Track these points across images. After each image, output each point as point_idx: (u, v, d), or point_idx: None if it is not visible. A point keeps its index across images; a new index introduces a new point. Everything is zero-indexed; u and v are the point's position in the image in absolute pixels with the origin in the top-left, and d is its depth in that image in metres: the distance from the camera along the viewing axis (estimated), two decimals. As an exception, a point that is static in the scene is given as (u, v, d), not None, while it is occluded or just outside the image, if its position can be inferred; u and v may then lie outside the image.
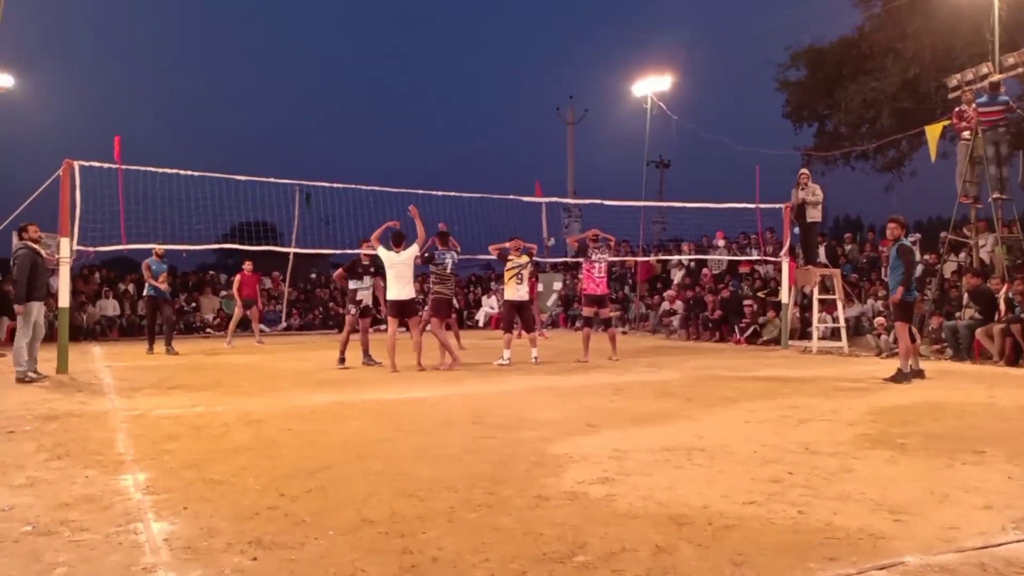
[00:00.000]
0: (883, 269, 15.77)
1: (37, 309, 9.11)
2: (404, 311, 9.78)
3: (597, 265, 11.19)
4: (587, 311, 11.56)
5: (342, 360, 10.21)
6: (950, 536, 3.11)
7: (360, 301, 10.38)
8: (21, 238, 9.24)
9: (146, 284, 13.47)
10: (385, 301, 10.27)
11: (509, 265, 10.76)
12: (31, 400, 7.25)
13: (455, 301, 12.31)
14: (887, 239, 9.17)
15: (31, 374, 8.82)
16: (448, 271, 10.11)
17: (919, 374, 8.71)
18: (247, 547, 3.00)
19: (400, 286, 9.69)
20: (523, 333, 12.13)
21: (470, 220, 14.09)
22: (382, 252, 9.74)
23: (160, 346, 13.07)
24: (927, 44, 18.98)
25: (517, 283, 10.72)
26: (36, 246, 9.10)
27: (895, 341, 12.12)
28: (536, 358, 10.72)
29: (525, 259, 10.82)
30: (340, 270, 10.78)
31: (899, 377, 8.41)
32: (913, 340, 8.99)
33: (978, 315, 11.33)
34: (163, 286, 13.26)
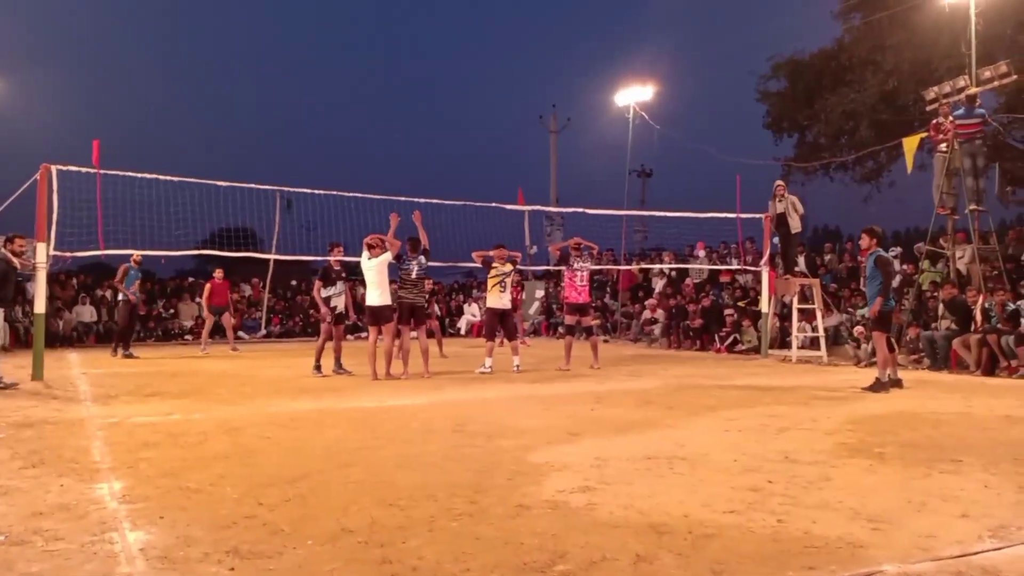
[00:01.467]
0: (862, 279, 15.93)
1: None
2: (378, 317, 9.74)
3: (579, 274, 11.20)
4: (569, 319, 11.56)
5: (318, 368, 10.16)
6: (927, 544, 3.13)
7: (335, 308, 10.33)
8: (5, 247, 9.13)
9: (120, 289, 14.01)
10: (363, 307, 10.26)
11: (493, 273, 10.72)
12: (5, 407, 7.14)
13: (435, 308, 12.24)
14: (863, 250, 9.20)
15: (2, 382, 8.70)
16: (413, 276, 10.03)
17: (897, 383, 8.77)
18: (224, 557, 2.97)
19: (375, 292, 9.68)
20: (504, 341, 12.10)
21: (452, 227, 14.06)
22: (363, 259, 9.71)
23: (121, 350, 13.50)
24: (906, 57, 19.21)
25: (500, 291, 10.69)
26: (13, 257, 9.01)
27: (873, 351, 12.26)
28: (518, 367, 10.71)
29: (509, 267, 10.79)
30: (317, 282, 10.69)
31: (877, 387, 8.47)
32: (891, 350, 9.04)
33: (955, 325, 11.45)
34: (132, 296, 13.87)
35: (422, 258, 10.10)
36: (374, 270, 9.65)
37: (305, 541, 3.16)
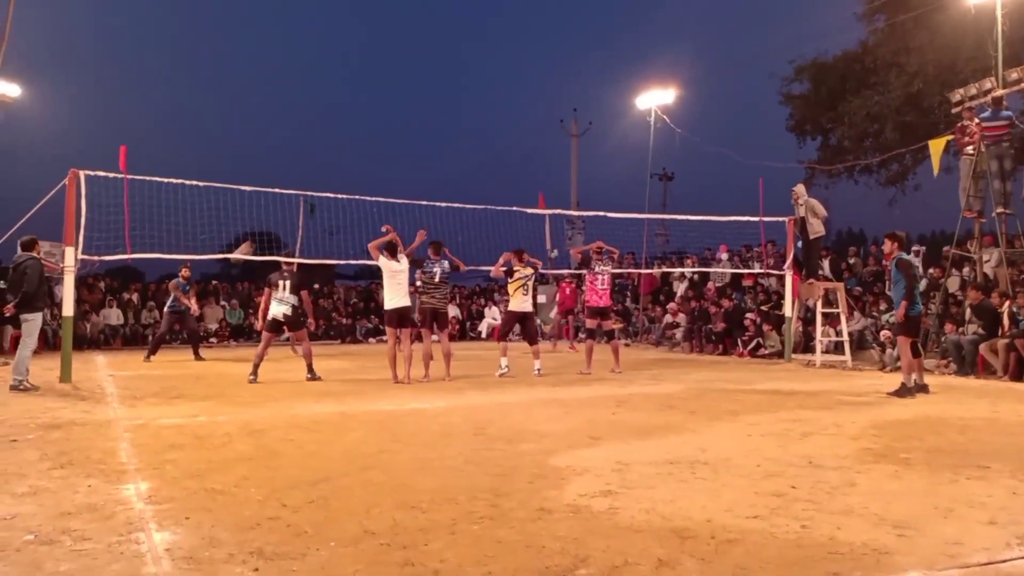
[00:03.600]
0: (887, 283, 15.77)
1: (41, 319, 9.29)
2: (403, 320, 9.80)
3: (600, 277, 11.17)
4: (589, 323, 11.55)
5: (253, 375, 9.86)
6: (954, 552, 3.10)
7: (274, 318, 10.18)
8: (30, 250, 9.31)
9: (171, 299, 14.23)
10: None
11: (516, 275, 10.73)
12: (34, 409, 7.25)
13: (456, 311, 12.21)
14: (887, 255, 9.13)
15: (26, 383, 8.84)
16: (436, 280, 10.02)
17: (923, 389, 8.66)
18: (248, 557, 2.99)
19: (400, 294, 9.69)
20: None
21: (474, 231, 14.11)
22: (383, 262, 9.70)
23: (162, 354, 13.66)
24: (931, 58, 19.01)
25: (524, 294, 10.69)
26: (46, 259, 9.33)
27: (899, 356, 12.13)
28: (539, 370, 10.69)
29: (530, 270, 10.80)
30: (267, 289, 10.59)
31: (903, 391, 8.37)
32: (916, 355, 8.91)
33: (981, 330, 11.30)
34: (194, 308, 14.40)
35: (445, 263, 10.12)
36: (405, 272, 9.72)
37: (328, 543, 3.18)
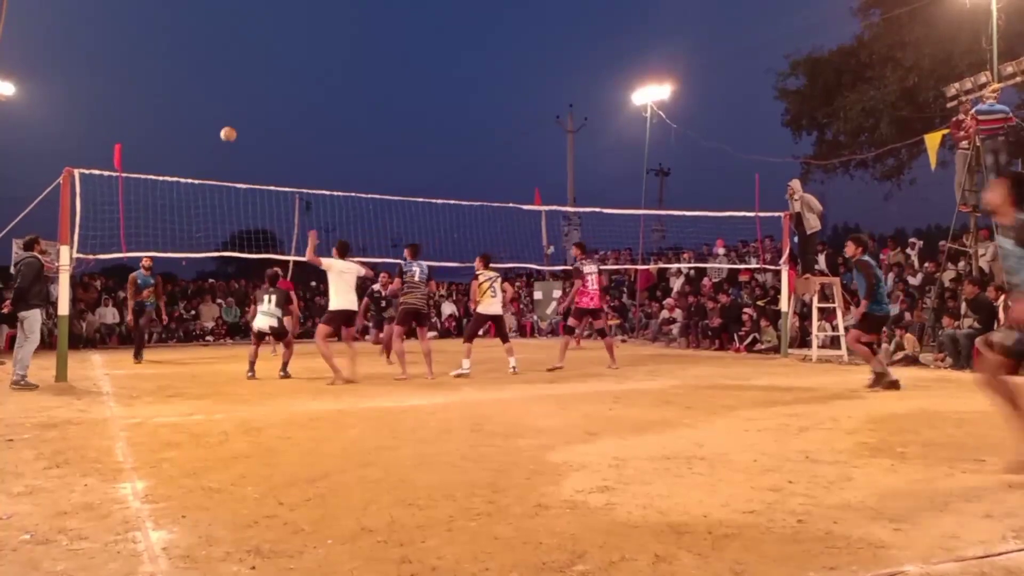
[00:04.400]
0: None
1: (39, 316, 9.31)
2: (350, 321, 9.92)
3: (590, 278, 11.21)
4: (572, 321, 11.61)
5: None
6: (950, 545, 3.10)
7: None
8: (30, 249, 9.39)
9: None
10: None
11: (481, 279, 10.67)
12: (30, 408, 7.24)
13: (453, 308, 12.15)
14: (849, 256, 9.28)
15: (22, 381, 8.86)
16: (416, 279, 10.05)
17: (885, 379, 8.67)
18: (246, 556, 2.99)
19: (350, 296, 9.76)
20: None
21: (470, 228, 14.11)
22: (332, 262, 9.66)
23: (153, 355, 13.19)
24: (926, 53, 19.04)
25: (492, 296, 10.63)
26: (44, 258, 9.35)
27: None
28: (514, 367, 10.65)
29: (492, 272, 10.74)
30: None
31: (878, 380, 8.40)
32: (872, 353, 8.90)
33: (977, 324, 11.32)
34: (149, 299, 13.35)
35: (423, 262, 10.17)
36: (352, 275, 9.84)
37: (325, 540, 3.18)
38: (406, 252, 10.21)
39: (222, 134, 12.13)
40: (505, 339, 11.10)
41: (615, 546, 3.08)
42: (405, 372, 9.90)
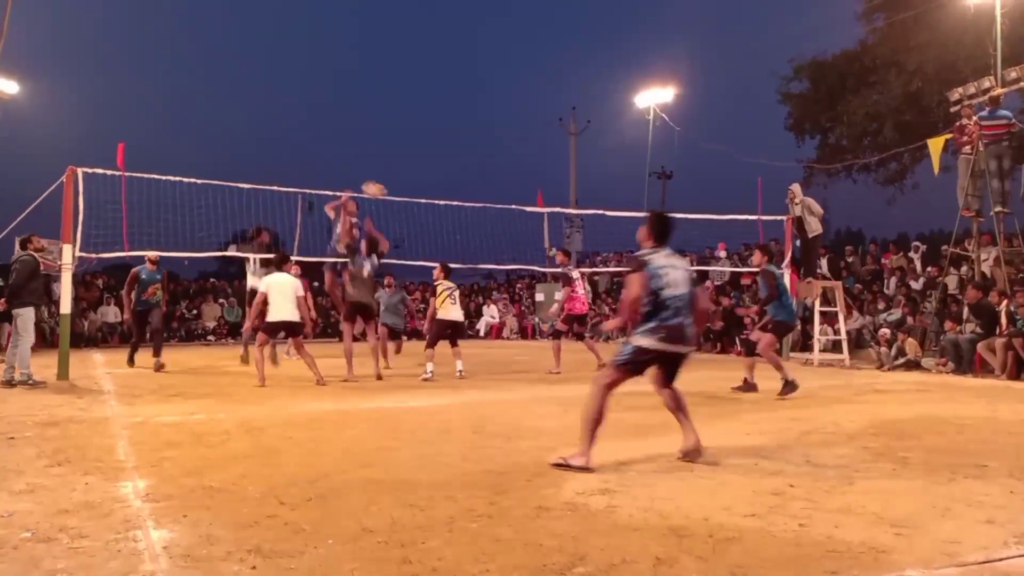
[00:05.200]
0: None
1: (32, 314, 9.25)
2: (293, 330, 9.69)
3: (579, 283, 11.27)
4: (561, 326, 11.63)
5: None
6: (952, 550, 3.10)
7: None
8: (25, 248, 9.36)
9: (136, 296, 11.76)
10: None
11: (440, 288, 10.59)
12: (32, 406, 7.24)
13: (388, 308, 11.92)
14: (755, 265, 9.38)
15: (17, 377, 8.90)
16: (365, 275, 9.96)
17: (753, 388, 8.69)
18: (246, 555, 2.99)
19: (290, 307, 9.42)
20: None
21: (472, 230, 14.11)
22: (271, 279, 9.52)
23: (147, 359, 11.76)
24: (930, 57, 19.03)
25: (451, 303, 10.56)
26: (39, 256, 9.31)
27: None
28: (461, 372, 10.53)
29: (452, 283, 10.70)
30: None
31: (788, 388, 8.15)
32: (750, 354, 8.91)
33: (979, 329, 11.31)
34: (155, 296, 11.96)
35: (375, 258, 10.13)
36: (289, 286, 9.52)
37: (326, 540, 3.18)
38: (363, 246, 10.13)
39: (371, 190, 11.71)
40: (455, 343, 10.87)
41: (616, 548, 3.08)
42: (351, 372, 9.79)
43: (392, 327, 12.33)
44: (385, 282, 12.60)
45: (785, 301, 8.88)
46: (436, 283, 10.77)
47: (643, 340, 4.71)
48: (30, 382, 8.78)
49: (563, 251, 12.12)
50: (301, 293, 9.58)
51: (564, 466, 4.53)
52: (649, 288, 4.69)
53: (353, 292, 10.08)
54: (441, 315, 10.61)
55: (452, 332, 10.89)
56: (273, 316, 9.35)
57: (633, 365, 4.78)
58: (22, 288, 9.03)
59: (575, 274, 11.28)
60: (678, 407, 5.06)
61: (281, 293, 9.35)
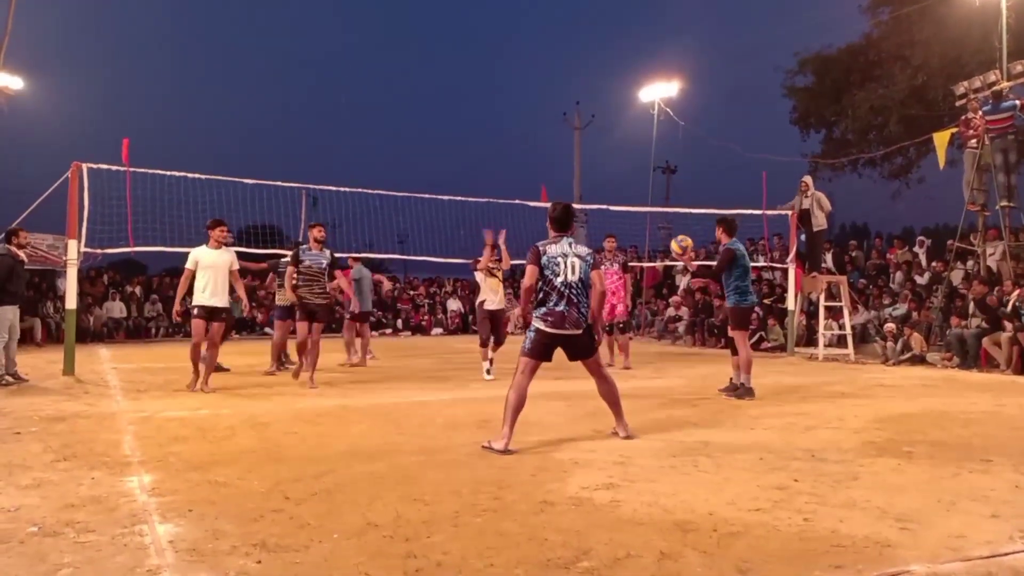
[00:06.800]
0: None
1: (12, 313, 8.90)
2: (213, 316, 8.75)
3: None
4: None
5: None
6: (957, 545, 3.09)
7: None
8: (10, 242, 9.00)
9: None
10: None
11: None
12: (38, 401, 7.27)
13: (458, 305, 11.95)
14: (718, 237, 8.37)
15: (7, 377, 8.70)
16: (315, 272, 8.88)
17: (749, 392, 7.69)
18: (252, 550, 3.00)
19: (221, 293, 8.93)
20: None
21: (476, 224, 14.08)
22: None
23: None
24: (935, 51, 18.93)
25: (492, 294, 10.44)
26: (20, 252, 8.95)
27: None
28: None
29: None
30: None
31: (742, 392, 7.66)
32: (734, 352, 7.95)
33: (985, 324, 11.28)
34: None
35: (327, 251, 9.06)
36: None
37: (331, 535, 3.19)
38: (315, 237, 9.06)
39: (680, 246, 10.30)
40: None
41: (620, 543, 3.08)
42: (300, 364, 9.28)
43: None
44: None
45: (738, 281, 7.85)
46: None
47: (537, 324, 5.17)
48: (2, 382, 8.52)
49: (611, 240, 11.83)
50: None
51: (488, 448, 4.92)
52: (542, 276, 5.15)
53: (304, 292, 8.90)
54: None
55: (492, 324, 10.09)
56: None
57: (536, 349, 5.18)
58: (1, 289, 8.68)
59: (604, 265, 11.18)
60: (606, 397, 5.55)
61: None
